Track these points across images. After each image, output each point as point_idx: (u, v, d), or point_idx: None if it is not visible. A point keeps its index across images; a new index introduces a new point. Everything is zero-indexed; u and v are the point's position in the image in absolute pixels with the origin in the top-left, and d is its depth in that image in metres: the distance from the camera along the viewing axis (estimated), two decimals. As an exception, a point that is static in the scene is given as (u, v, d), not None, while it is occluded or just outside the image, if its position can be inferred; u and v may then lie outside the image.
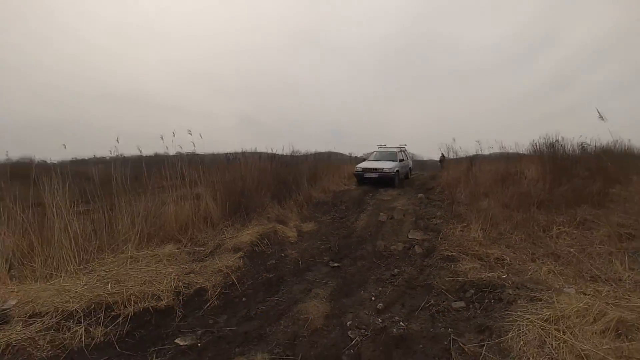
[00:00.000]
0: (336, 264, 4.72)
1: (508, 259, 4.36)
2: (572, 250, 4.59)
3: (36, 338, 2.81)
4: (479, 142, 14.28)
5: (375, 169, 12.00)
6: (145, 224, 5.11)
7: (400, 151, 14.12)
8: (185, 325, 3.18)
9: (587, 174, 7.83)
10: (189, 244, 5.20)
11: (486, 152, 12.00)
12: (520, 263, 4.26)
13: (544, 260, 4.36)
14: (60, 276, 3.87)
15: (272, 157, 9.26)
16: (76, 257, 4.24)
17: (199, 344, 2.83)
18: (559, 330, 2.46)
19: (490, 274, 3.80)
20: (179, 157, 6.98)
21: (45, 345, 2.75)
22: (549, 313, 2.70)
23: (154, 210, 5.45)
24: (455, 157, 12.88)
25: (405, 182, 13.73)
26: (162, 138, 6.37)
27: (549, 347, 2.34)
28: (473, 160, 11.14)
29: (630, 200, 6.58)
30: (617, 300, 2.94)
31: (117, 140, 5.89)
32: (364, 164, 12.73)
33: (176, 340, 2.87)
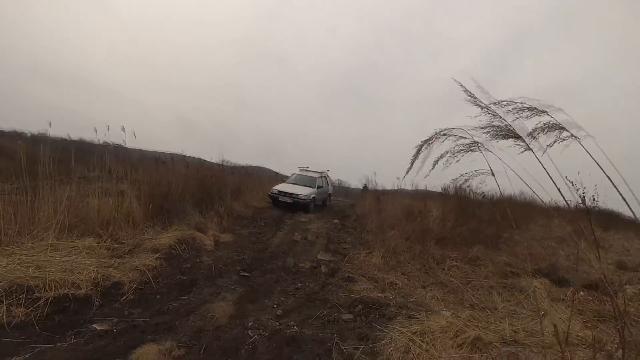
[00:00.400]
0: (246, 274, 5.25)
1: (400, 284, 5.06)
2: (458, 281, 5.35)
3: None
4: (398, 178, 15.69)
5: (291, 193, 11.97)
6: (67, 215, 5.27)
7: (321, 177, 14.17)
8: (101, 313, 3.55)
9: (487, 218, 8.55)
10: (109, 240, 5.42)
11: (408, 187, 13.14)
12: (411, 288, 4.97)
13: (432, 287, 5.07)
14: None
15: (200, 166, 9.67)
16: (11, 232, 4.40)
17: (114, 330, 3.25)
18: (422, 342, 3.07)
19: (380, 294, 4.48)
20: (107, 147, 7.15)
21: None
22: (418, 327, 3.32)
23: (77, 201, 5.64)
24: (374, 189, 14.07)
25: (325, 208, 14.39)
26: (95, 130, 6.55)
27: (412, 354, 2.94)
28: (380, 196, 12.30)
29: (520, 244, 7.99)
30: (486, 324, 3.62)
31: (50, 125, 6.00)
32: (280, 187, 12.60)
33: (94, 325, 3.27)
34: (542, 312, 4.20)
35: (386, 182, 14.94)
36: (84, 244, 4.97)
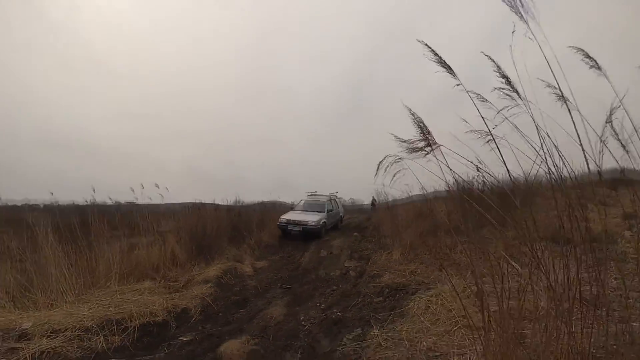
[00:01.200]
0: (287, 287, 5.99)
1: (419, 270, 5.79)
2: (468, 259, 6.19)
3: (64, 346, 3.76)
4: (407, 184, 16.32)
5: (300, 221, 11.24)
6: (123, 265, 6.02)
7: (330, 200, 13.57)
8: (180, 332, 4.28)
9: (490, 204, 9.69)
10: (163, 281, 6.16)
11: (416, 192, 13.73)
12: (429, 272, 5.66)
13: (446, 268, 5.64)
14: (62, 305, 4.74)
15: (229, 208, 10.50)
16: (72, 290, 5.10)
17: (197, 339, 3.97)
18: (437, 300, 3.87)
19: (402, 280, 5.26)
20: (127, 206, 7.97)
21: (75, 349, 3.72)
22: (434, 292, 4.13)
23: (129, 253, 6.39)
24: (385, 200, 14.69)
25: (344, 225, 14.98)
26: (132, 190, 7.40)
27: (431, 308, 3.74)
28: (391, 205, 12.89)
29: (526, 219, 8.57)
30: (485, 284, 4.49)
31: (94, 190, 6.86)
32: (288, 215, 11.88)
33: (180, 338, 3.99)
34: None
35: (395, 192, 15.43)
36: (143, 286, 5.70)
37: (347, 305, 4.77)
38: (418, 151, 2.42)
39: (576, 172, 2.35)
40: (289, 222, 11.39)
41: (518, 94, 2.19)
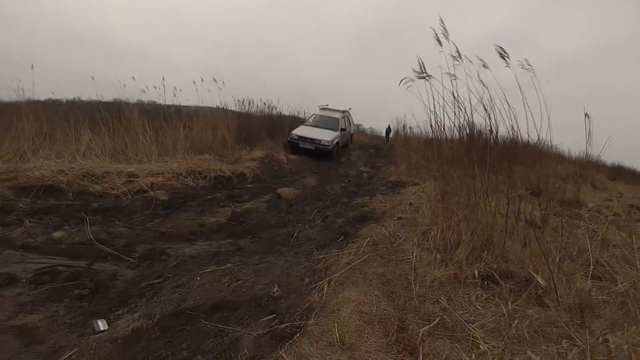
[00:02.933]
0: (316, 172, 7.68)
1: (416, 178, 7.47)
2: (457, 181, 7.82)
3: (165, 182, 5.44)
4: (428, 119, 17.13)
5: (313, 139, 10.38)
6: (186, 141, 7.62)
7: (344, 117, 12.45)
8: (242, 185, 5.98)
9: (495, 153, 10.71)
10: (217, 156, 7.82)
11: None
12: (423, 179, 7.38)
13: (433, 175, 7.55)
14: (149, 162, 6.40)
15: (269, 108, 11.86)
16: (154, 153, 6.77)
17: (258, 186, 5.73)
18: (420, 189, 5.62)
19: (402, 180, 6.94)
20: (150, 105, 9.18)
21: (174, 183, 5.40)
22: (420, 187, 5.86)
23: (186, 135, 7.97)
24: (403, 129, 15.67)
25: (362, 144, 15.57)
26: (155, 87, 8.67)
27: (416, 193, 5.45)
28: (408, 135, 13.99)
29: (519, 174, 9.94)
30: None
31: (124, 85, 8.18)
32: (299, 131, 10.89)
33: (246, 185, 5.70)
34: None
35: (414, 124, 16.03)
36: (204, 157, 7.29)
37: (361, 187, 6.51)
38: (422, 77, 3.23)
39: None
40: (300, 138, 10.50)
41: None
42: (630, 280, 2.54)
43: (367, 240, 3.13)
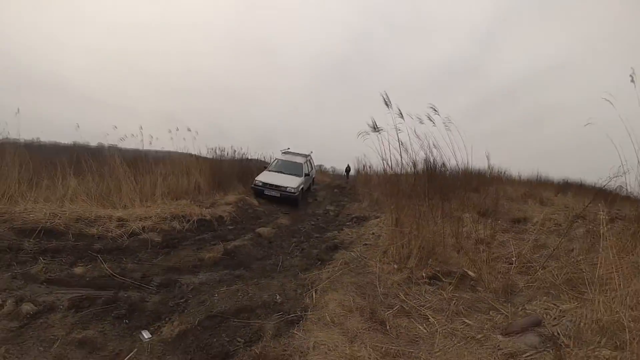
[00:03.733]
0: (287, 213, 8.49)
1: (378, 213, 8.47)
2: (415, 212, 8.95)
3: (155, 225, 6.04)
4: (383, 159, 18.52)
5: (278, 186, 10.25)
6: (163, 186, 8.24)
7: (306, 161, 12.36)
8: (222, 226, 6.66)
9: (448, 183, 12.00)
10: (193, 201, 8.44)
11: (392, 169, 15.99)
12: (384, 212, 8.38)
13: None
14: (133, 207, 6.95)
15: (240, 157, 12.77)
16: (136, 199, 7.33)
17: (238, 227, 6.43)
18: (381, 221, 6.51)
19: (365, 214, 7.91)
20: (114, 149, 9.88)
21: (163, 227, 6.02)
22: (380, 219, 6.76)
23: (167, 180, 8.61)
24: (363, 168, 16.90)
25: (327, 184, 16.47)
26: (115, 128, 9.46)
27: (378, 224, 6.36)
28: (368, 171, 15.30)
29: (472, 200, 11.32)
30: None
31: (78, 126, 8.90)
32: (263, 177, 10.77)
33: (227, 226, 6.39)
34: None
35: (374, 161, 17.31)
36: (182, 202, 7.91)
37: (329, 224, 7.35)
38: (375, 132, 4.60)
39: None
40: (265, 185, 10.37)
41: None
42: (547, 270, 3.54)
43: (340, 261, 4.03)
